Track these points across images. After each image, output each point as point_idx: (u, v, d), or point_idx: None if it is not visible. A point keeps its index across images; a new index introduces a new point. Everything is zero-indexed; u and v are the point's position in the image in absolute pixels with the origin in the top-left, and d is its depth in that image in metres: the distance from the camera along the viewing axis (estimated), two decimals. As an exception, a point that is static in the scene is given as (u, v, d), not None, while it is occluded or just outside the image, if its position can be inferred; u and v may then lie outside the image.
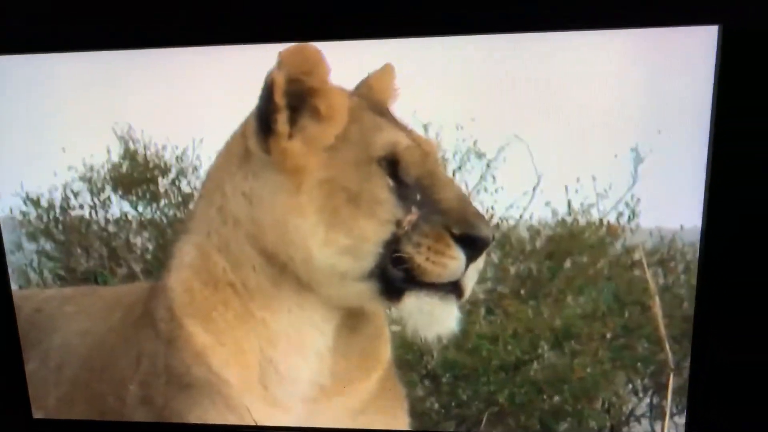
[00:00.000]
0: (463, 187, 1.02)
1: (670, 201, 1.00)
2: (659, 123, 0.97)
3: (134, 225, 1.13)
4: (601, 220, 1.03)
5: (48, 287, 1.18)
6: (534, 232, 1.05)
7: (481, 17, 0.97)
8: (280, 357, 1.03)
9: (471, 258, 0.94)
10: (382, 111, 0.99)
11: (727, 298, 1.04)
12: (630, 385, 1.09)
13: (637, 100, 0.97)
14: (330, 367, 1.05)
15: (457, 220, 0.93)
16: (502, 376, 1.11)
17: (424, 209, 0.94)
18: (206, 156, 1.05)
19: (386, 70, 0.99)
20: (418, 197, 0.95)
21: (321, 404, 1.06)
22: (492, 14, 0.97)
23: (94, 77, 1.06)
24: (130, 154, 1.09)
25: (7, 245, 1.16)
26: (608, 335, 1.07)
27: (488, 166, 1.02)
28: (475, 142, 1.01)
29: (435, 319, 0.96)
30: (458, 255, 0.93)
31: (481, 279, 1.04)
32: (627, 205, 1.01)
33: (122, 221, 1.13)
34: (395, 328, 1.08)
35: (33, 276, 1.18)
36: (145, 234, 1.13)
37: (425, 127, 1.00)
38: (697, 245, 1.01)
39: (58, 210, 1.14)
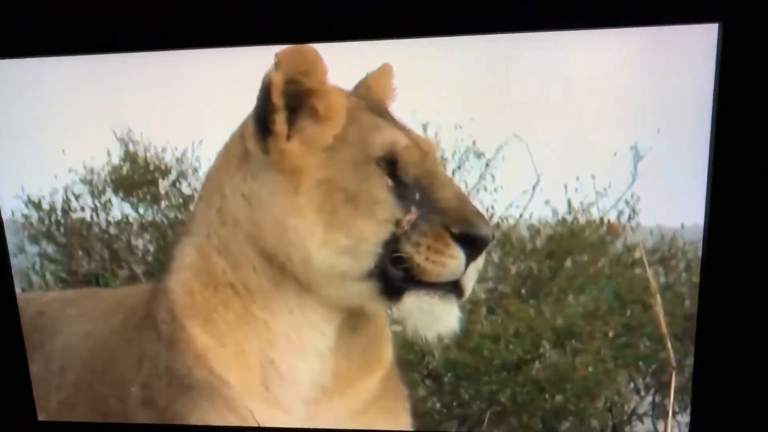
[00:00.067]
0: (463, 187, 1.02)
1: (670, 199, 1.00)
2: (659, 121, 0.97)
3: (135, 227, 1.14)
4: (601, 219, 1.03)
5: (50, 290, 1.18)
6: (534, 231, 1.05)
7: (480, 17, 0.97)
8: (281, 358, 1.03)
9: (471, 257, 0.94)
10: (380, 111, 0.99)
11: (729, 297, 1.04)
12: (632, 384, 1.09)
13: (636, 98, 0.97)
14: (331, 368, 1.05)
15: (457, 219, 0.93)
16: (504, 375, 1.11)
17: (423, 209, 0.94)
18: (206, 157, 1.05)
19: (384, 70, 0.99)
20: (417, 197, 0.95)
21: (322, 405, 1.06)
22: (491, 14, 0.97)
23: (94, 80, 1.07)
24: (130, 157, 1.10)
25: (9, 248, 1.17)
26: (610, 334, 1.07)
27: (487, 165, 1.01)
28: (474, 142, 1.01)
29: (435, 318, 0.96)
30: (458, 254, 0.93)
31: (482, 278, 1.04)
32: (627, 203, 1.01)
33: (123, 223, 1.14)
34: (396, 328, 1.08)
35: (35, 279, 1.18)
36: (146, 236, 1.14)
37: (424, 127, 1.00)
38: (698, 243, 1.01)
39: (59, 212, 1.14)
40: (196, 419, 1.06)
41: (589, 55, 0.96)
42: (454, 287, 0.96)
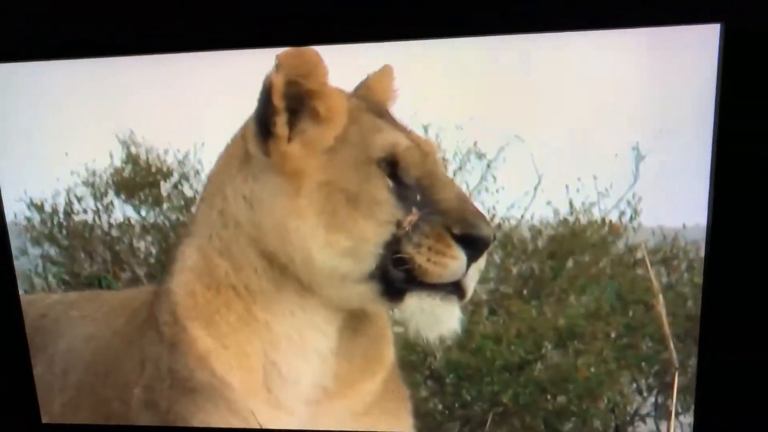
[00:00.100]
0: (464, 188, 1.02)
1: (672, 199, 1.00)
2: (660, 121, 0.97)
3: (137, 229, 1.14)
4: (603, 219, 1.03)
5: (53, 292, 1.19)
6: (536, 231, 1.05)
7: (481, 18, 0.97)
8: (283, 359, 1.03)
9: (472, 258, 0.94)
10: (381, 112, 0.99)
11: (732, 297, 1.03)
12: (634, 385, 1.09)
13: (638, 98, 0.97)
14: (333, 369, 1.05)
15: (458, 220, 0.93)
16: (506, 376, 1.11)
17: (424, 210, 0.94)
18: (208, 160, 1.06)
19: (385, 72, 0.99)
20: (418, 198, 0.95)
21: (324, 406, 1.06)
22: (492, 15, 0.97)
23: (96, 83, 1.07)
24: (132, 159, 1.10)
25: (12, 251, 1.17)
26: (612, 334, 1.07)
27: (488, 166, 1.02)
28: (475, 143, 1.01)
29: (437, 319, 0.96)
30: (459, 255, 0.93)
31: (484, 279, 1.04)
32: (629, 203, 1.01)
33: (125, 225, 1.14)
34: (398, 329, 1.08)
35: (38, 281, 1.18)
36: (148, 238, 1.14)
37: (425, 128, 1.00)
38: (700, 243, 1.00)
39: (61, 215, 1.14)
40: (198, 421, 1.06)
41: (590, 55, 0.96)
42: (455, 288, 0.95)
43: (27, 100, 1.10)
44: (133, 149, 1.09)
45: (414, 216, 0.94)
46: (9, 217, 1.15)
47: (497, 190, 1.03)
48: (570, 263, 1.06)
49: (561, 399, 1.10)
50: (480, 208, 0.99)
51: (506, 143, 1.00)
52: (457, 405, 1.13)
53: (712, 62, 0.93)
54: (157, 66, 1.04)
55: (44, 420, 1.21)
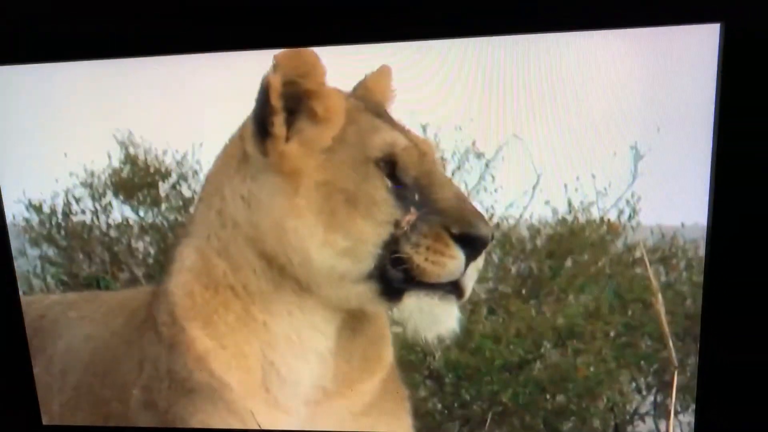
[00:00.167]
0: (463, 187, 1.02)
1: (670, 198, 1.00)
2: (659, 120, 0.97)
3: (136, 229, 1.14)
4: (601, 218, 1.03)
5: (51, 293, 1.19)
6: (534, 231, 1.05)
7: (479, 19, 0.97)
8: (282, 359, 1.03)
9: (470, 257, 0.94)
10: (379, 112, 0.99)
11: (733, 296, 1.03)
12: (633, 384, 1.09)
13: (636, 97, 0.97)
14: (332, 370, 1.05)
15: (456, 220, 0.93)
16: (506, 375, 1.11)
17: (422, 209, 0.94)
18: (206, 160, 1.05)
19: (383, 72, 0.99)
20: (417, 197, 0.95)
21: (323, 407, 1.06)
22: (491, 15, 0.97)
23: (95, 84, 1.07)
24: (130, 159, 1.10)
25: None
26: (611, 333, 1.07)
27: (487, 165, 1.01)
28: (473, 142, 1.01)
29: (435, 319, 0.96)
30: (457, 254, 0.93)
31: (482, 279, 1.04)
32: (627, 202, 1.01)
33: (124, 226, 1.14)
34: (397, 329, 1.08)
35: (36, 282, 1.18)
36: (147, 238, 1.14)
37: (423, 128, 1.00)
38: (699, 242, 1.00)
39: (60, 216, 1.14)
40: (197, 422, 1.06)
41: (589, 55, 0.96)
42: (454, 288, 0.95)
43: (25, 102, 1.10)
44: (131, 150, 1.09)
45: (412, 216, 0.94)
46: (8, 219, 1.15)
47: (496, 190, 1.03)
48: (569, 262, 1.06)
49: (560, 398, 1.10)
50: (478, 207, 0.99)
51: (505, 143, 1.00)
52: (456, 405, 1.13)
53: (712, 62, 0.93)
54: (156, 67, 1.04)
55: (44, 421, 1.21)
